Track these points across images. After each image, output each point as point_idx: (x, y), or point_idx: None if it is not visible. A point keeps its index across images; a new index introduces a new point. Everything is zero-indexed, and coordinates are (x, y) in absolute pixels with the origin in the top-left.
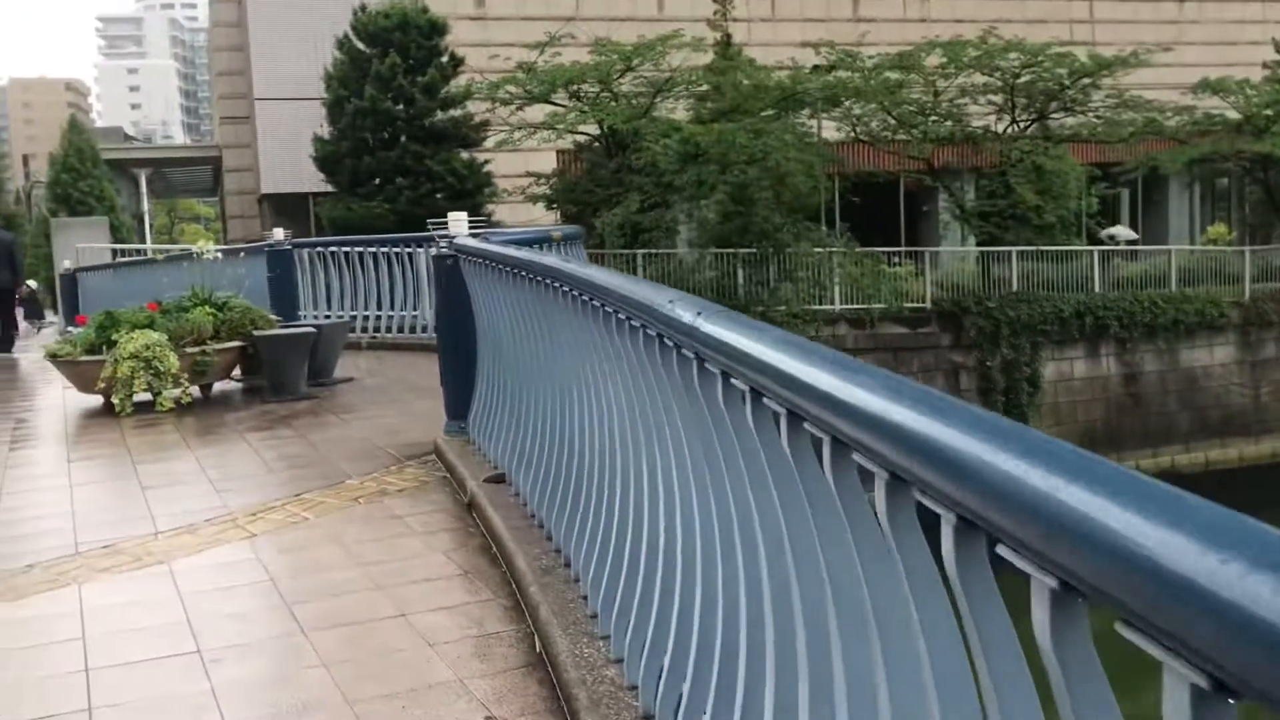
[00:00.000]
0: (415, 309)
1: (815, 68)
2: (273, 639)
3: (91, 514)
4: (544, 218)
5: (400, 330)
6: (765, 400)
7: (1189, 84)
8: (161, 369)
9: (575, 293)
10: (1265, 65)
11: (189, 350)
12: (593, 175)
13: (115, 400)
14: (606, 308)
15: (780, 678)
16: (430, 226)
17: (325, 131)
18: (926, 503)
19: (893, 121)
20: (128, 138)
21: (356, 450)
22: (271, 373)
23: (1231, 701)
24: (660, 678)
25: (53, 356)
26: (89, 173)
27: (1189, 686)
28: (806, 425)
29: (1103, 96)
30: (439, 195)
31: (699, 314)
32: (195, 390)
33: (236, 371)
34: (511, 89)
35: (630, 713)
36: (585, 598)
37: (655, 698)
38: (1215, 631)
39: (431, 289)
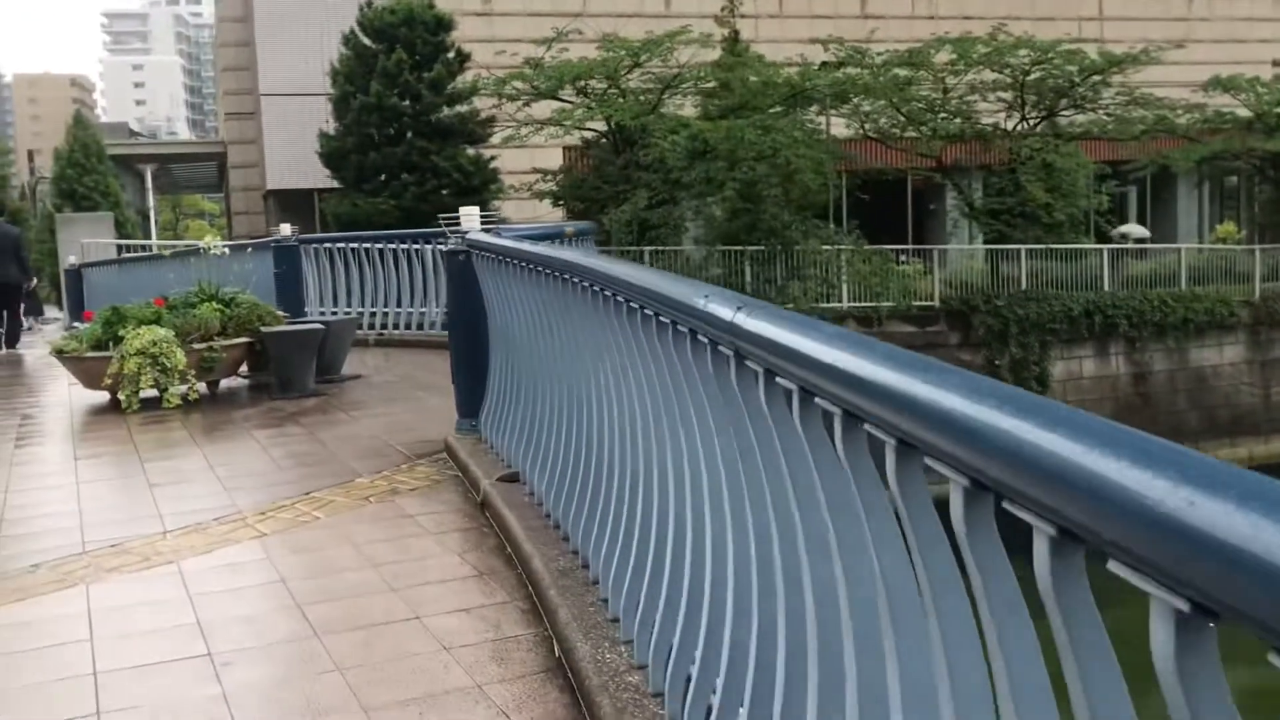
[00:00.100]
0: (423, 305)
1: (824, 64)
2: (285, 642)
3: (98, 512)
4: (550, 214)
5: (408, 327)
6: (817, 400)
7: (1198, 82)
8: (168, 365)
9: (597, 288)
10: (1275, 63)
11: (196, 346)
12: (600, 172)
13: (122, 397)
14: (631, 303)
15: (824, 692)
16: (442, 222)
17: (331, 127)
18: (1019, 514)
19: (902, 118)
20: (133, 133)
21: (366, 448)
22: (279, 369)
23: (1211, 625)
24: (688, 687)
25: (59, 352)
26: (94, 168)
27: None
28: (866, 427)
29: (1113, 94)
30: (445, 191)
31: (739, 309)
32: (202, 387)
33: (243, 368)
34: (518, 85)
35: None
36: (605, 601)
37: (683, 708)
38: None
39: (439, 285)
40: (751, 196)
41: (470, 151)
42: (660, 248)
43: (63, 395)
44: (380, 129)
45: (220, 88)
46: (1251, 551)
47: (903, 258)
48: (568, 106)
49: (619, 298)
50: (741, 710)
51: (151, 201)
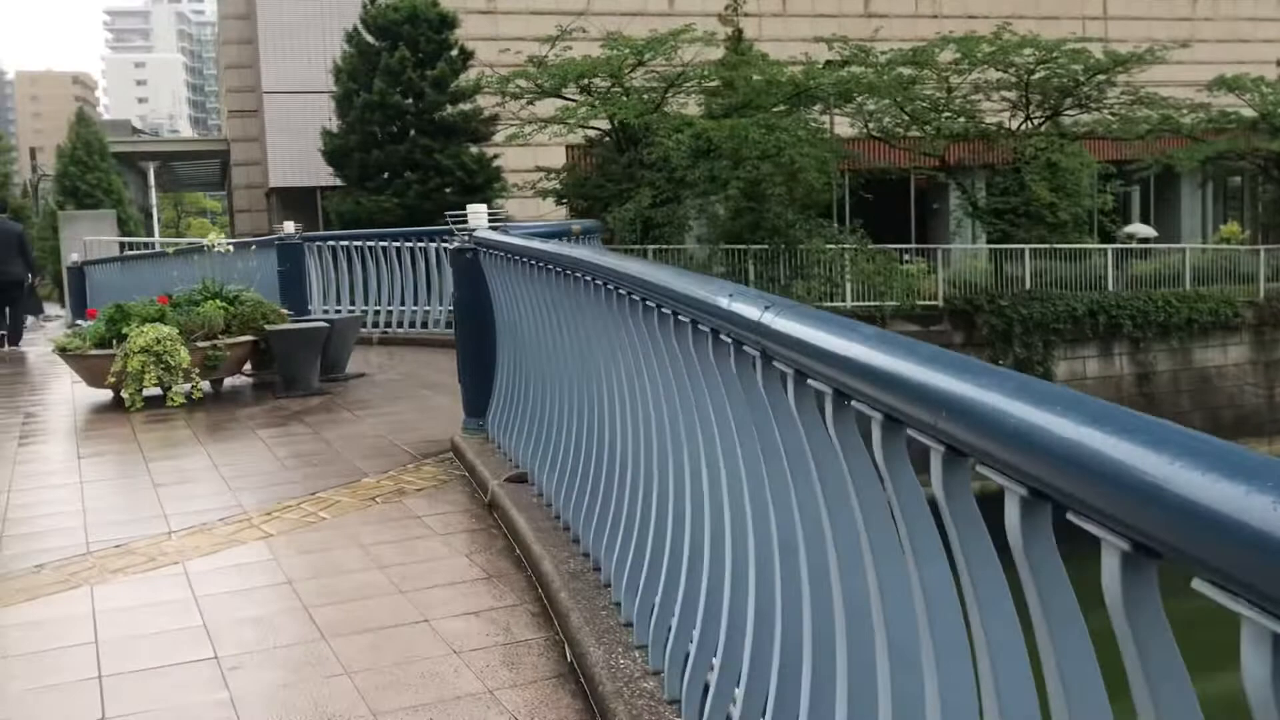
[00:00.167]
0: (427, 304)
1: (828, 63)
2: (293, 645)
3: (102, 512)
4: (553, 213)
5: (412, 325)
6: (853, 403)
7: (1202, 81)
8: (172, 363)
9: (610, 286)
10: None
11: (200, 345)
12: (603, 170)
13: (125, 395)
14: (647, 301)
15: (854, 707)
16: (449, 220)
17: (334, 125)
18: (1085, 526)
19: (906, 117)
20: (136, 131)
21: (372, 447)
22: (284, 368)
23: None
24: (706, 695)
25: (62, 350)
26: (97, 165)
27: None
28: (910, 432)
29: (1118, 93)
30: (448, 190)
31: (767, 309)
32: (206, 385)
33: (247, 366)
34: (522, 83)
35: None
36: (618, 605)
37: (700, 717)
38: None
39: (443, 284)
40: (755, 195)
41: (473, 150)
42: (664, 246)
43: (66, 393)
44: (383, 127)
45: (223, 85)
46: None
47: (906, 257)
48: (571, 105)
49: (634, 296)
50: None
51: (154, 199)
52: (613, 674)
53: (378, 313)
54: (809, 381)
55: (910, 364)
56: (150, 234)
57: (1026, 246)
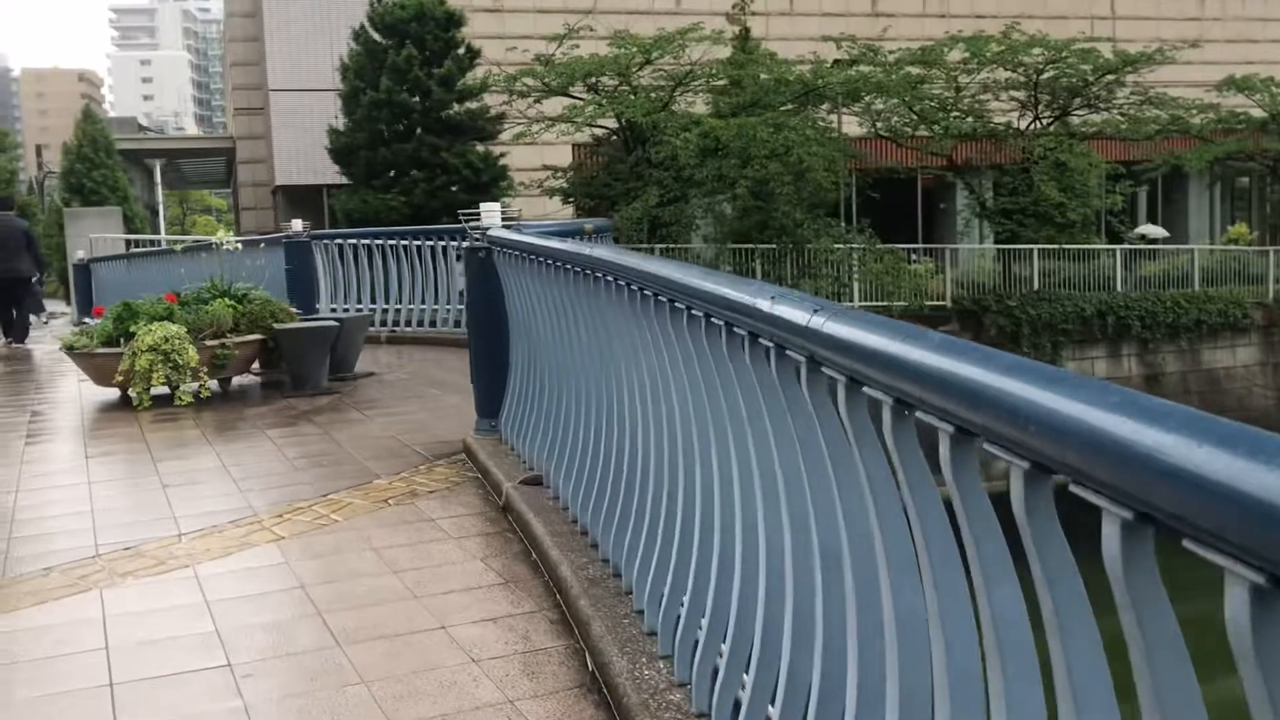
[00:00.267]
0: (435, 302)
1: (836, 62)
2: (307, 652)
3: (111, 513)
4: (560, 212)
5: (420, 324)
6: (918, 413)
7: (1210, 81)
8: (180, 362)
9: (635, 287)
10: None
11: (208, 343)
12: (610, 169)
13: (133, 393)
14: (675, 303)
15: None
16: (462, 218)
17: (340, 123)
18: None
19: (914, 117)
20: (141, 128)
21: (383, 448)
22: (293, 367)
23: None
24: (738, 712)
25: (69, 349)
26: (103, 162)
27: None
28: (989, 447)
29: (1127, 93)
30: (454, 188)
31: (815, 312)
32: (214, 384)
33: (255, 365)
34: (529, 81)
35: None
36: (641, 613)
37: None
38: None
39: (452, 283)
40: (763, 195)
41: (480, 148)
42: (671, 245)
43: (72, 392)
44: (390, 125)
45: (229, 83)
46: None
47: (913, 257)
48: (579, 103)
49: (660, 297)
50: None
51: (160, 196)
52: (637, 685)
53: (386, 311)
54: (864, 390)
55: (992, 374)
56: (156, 231)
57: (1035, 247)
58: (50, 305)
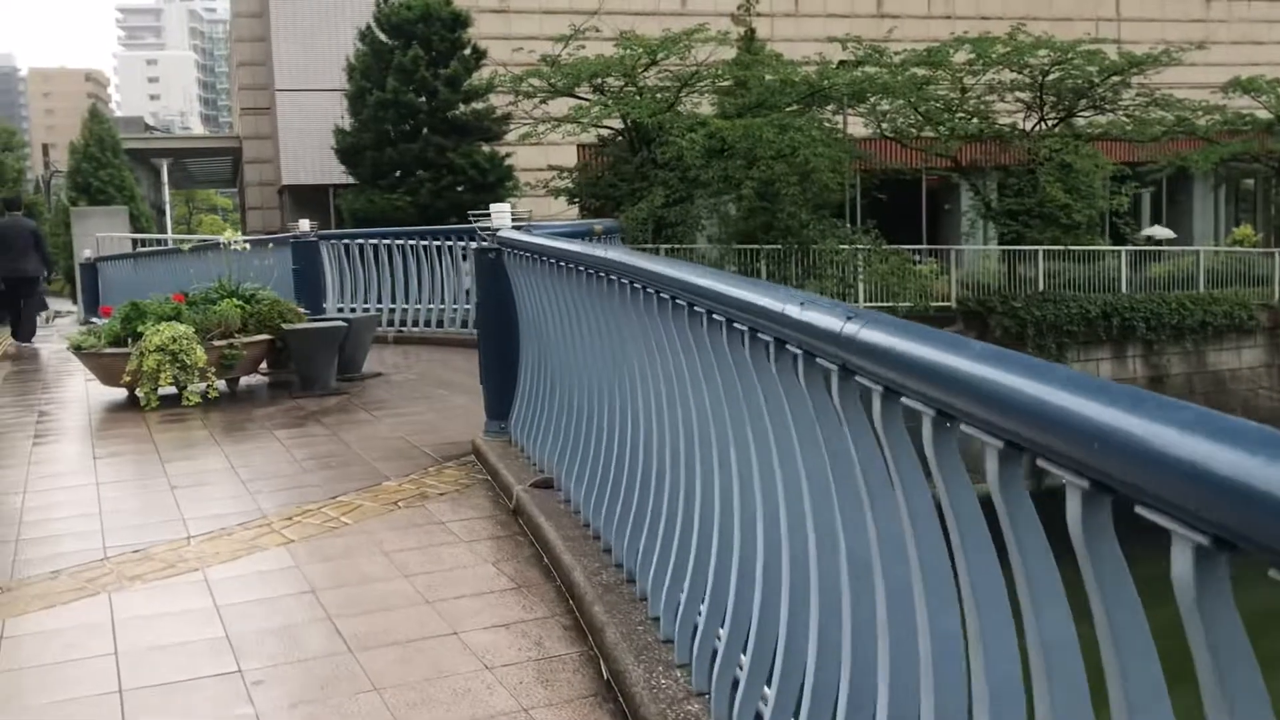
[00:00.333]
0: (442, 302)
1: (842, 63)
2: (318, 658)
3: (119, 515)
4: (565, 212)
5: (427, 324)
6: (962, 426)
7: (1215, 83)
8: (188, 362)
9: (651, 290)
10: None
11: (216, 343)
12: (616, 169)
13: (140, 394)
14: (695, 307)
15: None
16: (471, 218)
17: (346, 123)
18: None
19: (919, 118)
20: (148, 128)
21: (391, 449)
22: (301, 367)
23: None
24: None
25: (77, 348)
26: (109, 162)
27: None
28: (1042, 463)
29: (1132, 95)
30: (460, 188)
31: (849, 319)
32: (221, 384)
33: (263, 365)
34: (535, 82)
35: None
36: (656, 620)
37: None
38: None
39: (459, 283)
40: (769, 195)
41: (486, 148)
42: (676, 246)
43: (79, 391)
44: (396, 125)
45: (235, 83)
46: None
47: (917, 257)
48: (584, 104)
49: (678, 300)
50: None
51: (167, 196)
52: (654, 694)
53: (392, 311)
54: (902, 400)
55: (1051, 389)
56: (163, 230)
57: (1040, 248)
58: (56, 304)
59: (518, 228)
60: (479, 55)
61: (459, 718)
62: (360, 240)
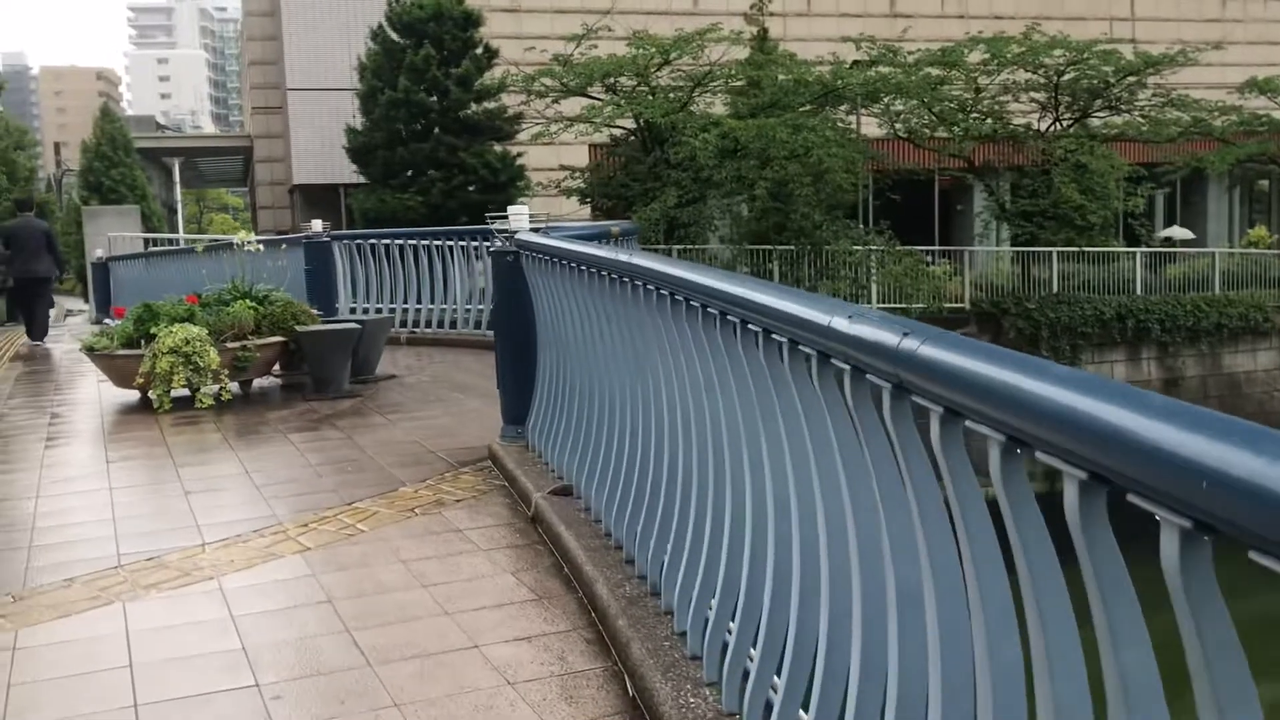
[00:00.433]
0: (455, 303)
1: (855, 63)
2: (336, 672)
3: (133, 521)
4: (577, 212)
5: (440, 325)
6: (1039, 455)
7: (1230, 83)
8: (201, 364)
9: (680, 297)
10: None
11: (229, 345)
12: (628, 169)
13: (153, 396)
14: (728, 316)
15: None
16: (489, 220)
17: (358, 122)
18: None
19: (933, 118)
20: (159, 127)
21: (407, 454)
22: (315, 369)
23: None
24: None
25: (89, 350)
26: (121, 161)
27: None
28: (1134, 498)
29: (1148, 95)
30: (471, 188)
31: (906, 335)
32: (235, 386)
33: (276, 367)
34: (547, 81)
35: None
36: (683, 635)
37: None
38: None
39: (473, 284)
40: (782, 196)
41: (497, 148)
42: (687, 246)
43: (92, 393)
44: (407, 125)
45: (247, 82)
46: None
47: (929, 258)
48: (597, 103)
49: (709, 309)
50: None
51: (178, 195)
52: (682, 713)
53: (405, 312)
54: (967, 423)
55: (1153, 422)
56: (174, 230)
57: (1054, 249)
58: (68, 303)
59: (535, 230)
60: (491, 54)
61: None
62: (373, 240)
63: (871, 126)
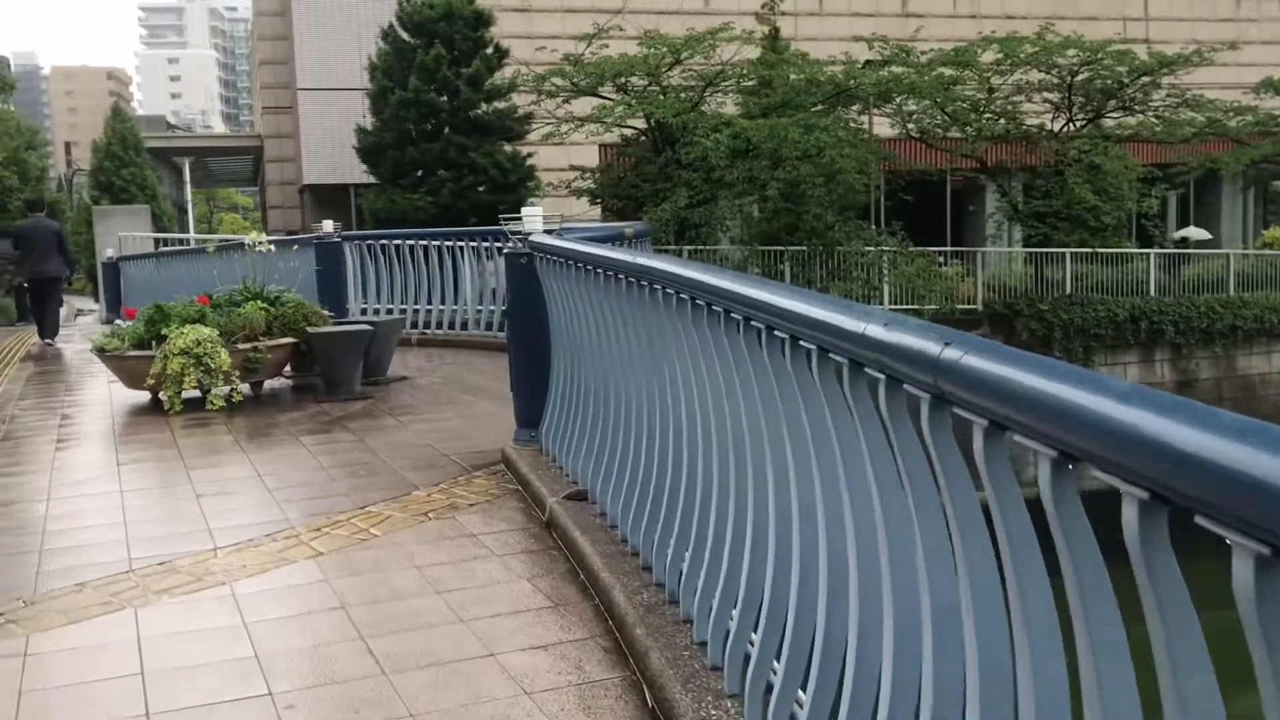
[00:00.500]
0: (467, 304)
1: (868, 63)
2: (352, 681)
3: (144, 524)
4: (587, 213)
5: (451, 326)
6: (1095, 471)
7: (1245, 83)
8: (212, 366)
9: (700, 302)
10: None
11: (241, 347)
12: (639, 170)
13: (164, 397)
14: (752, 321)
15: None
16: (502, 221)
17: (368, 122)
18: None
19: (946, 118)
20: (170, 126)
21: (420, 457)
22: (326, 371)
23: None
24: None
25: (100, 351)
26: (132, 160)
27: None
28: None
29: (1162, 96)
30: (481, 188)
31: (947, 344)
32: (245, 388)
33: (287, 368)
34: (557, 81)
35: None
36: (703, 645)
37: None
38: None
39: (485, 285)
40: (794, 196)
41: (508, 148)
42: (698, 247)
43: (102, 394)
44: (418, 125)
45: (257, 82)
46: None
47: (941, 259)
48: (608, 103)
49: (732, 314)
50: None
51: (189, 195)
52: None
53: (416, 313)
54: (1015, 438)
55: (1227, 442)
56: (184, 229)
57: (1067, 250)
58: (78, 303)
59: (549, 232)
60: (501, 54)
61: None
62: (384, 241)
63: (884, 127)
